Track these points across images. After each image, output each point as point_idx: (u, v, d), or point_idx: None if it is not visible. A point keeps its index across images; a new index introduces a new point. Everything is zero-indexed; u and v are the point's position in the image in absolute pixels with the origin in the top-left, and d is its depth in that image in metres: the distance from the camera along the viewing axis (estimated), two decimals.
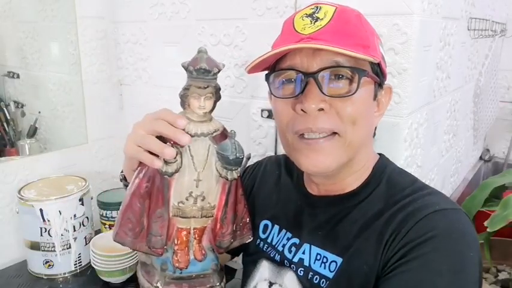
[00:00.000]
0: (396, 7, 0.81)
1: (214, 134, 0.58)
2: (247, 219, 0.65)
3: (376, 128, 0.67)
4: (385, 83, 0.64)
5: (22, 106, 1.28)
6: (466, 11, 1.20)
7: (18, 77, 1.27)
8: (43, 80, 1.31)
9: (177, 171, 0.56)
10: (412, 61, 0.83)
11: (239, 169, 0.59)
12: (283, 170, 0.78)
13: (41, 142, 1.31)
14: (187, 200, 0.58)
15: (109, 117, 1.39)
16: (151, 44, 1.28)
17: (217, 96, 0.57)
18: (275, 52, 0.56)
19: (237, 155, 0.56)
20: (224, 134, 0.59)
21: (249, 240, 0.66)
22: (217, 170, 0.58)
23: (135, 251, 0.72)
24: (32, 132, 1.29)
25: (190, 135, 0.56)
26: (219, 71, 0.56)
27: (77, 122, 1.33)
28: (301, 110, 0.57)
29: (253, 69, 0.61)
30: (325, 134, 0.57)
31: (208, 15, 1.13)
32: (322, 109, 0.56)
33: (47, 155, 1.24)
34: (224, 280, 0.63)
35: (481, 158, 1.90)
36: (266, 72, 0.63)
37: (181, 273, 0.60)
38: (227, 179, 0.59)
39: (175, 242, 0.60)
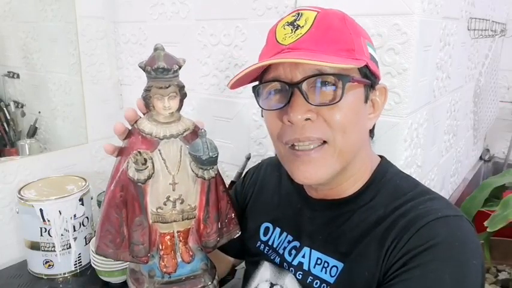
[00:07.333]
0: (396, 7, 0.81)
1: (185, 133, 0.55)
2: (233, 214, 0.63)
3: (374, 128, 0.66)
4: (380, 82, 0.62)
5: (22, 106, 1.28)
6: (466, 11, 1.20)
7: (18, 77, 1.27)
8: (43, 80, 1.31)
9: (149, 177, 0.53)
10: (412, 61, 0.83)
11: (215, 167, 0.57)
12: (284, 172, 0.77)
13: (41, 142, 1.31)
14: (165, 204, 0.55)
15: (109, 117, 1.39)
16: (151, 44, 1.28)
17: (181, 94, 0.55)
18: (253, 68, 0.55)
19: (210, 154, 0.53)
20: (196, 132, 0.56)
21: (237, 235, 0.64)
22: (193, 171, 0.55)
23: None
24: (32, 132, 1.29)
25: (158, 138, 0.54)
26: (179, 68, 0.54)
27: (77, 122, 1.33)
28: (288, 121, 0.56)
29: (236, 84, 0.60)
30: (315, 143, 0.56)
31: (208, 15, 1.13)
32: (309, 119, 0.55)
33: (47, 155, 1.24)
34: (217, 277, 0.62)
35: (481, 158, 1.90)
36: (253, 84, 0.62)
37: (170, 277, 0.57)
38: (204, 179, 0.56)
39: (160, 248, 0.58)
